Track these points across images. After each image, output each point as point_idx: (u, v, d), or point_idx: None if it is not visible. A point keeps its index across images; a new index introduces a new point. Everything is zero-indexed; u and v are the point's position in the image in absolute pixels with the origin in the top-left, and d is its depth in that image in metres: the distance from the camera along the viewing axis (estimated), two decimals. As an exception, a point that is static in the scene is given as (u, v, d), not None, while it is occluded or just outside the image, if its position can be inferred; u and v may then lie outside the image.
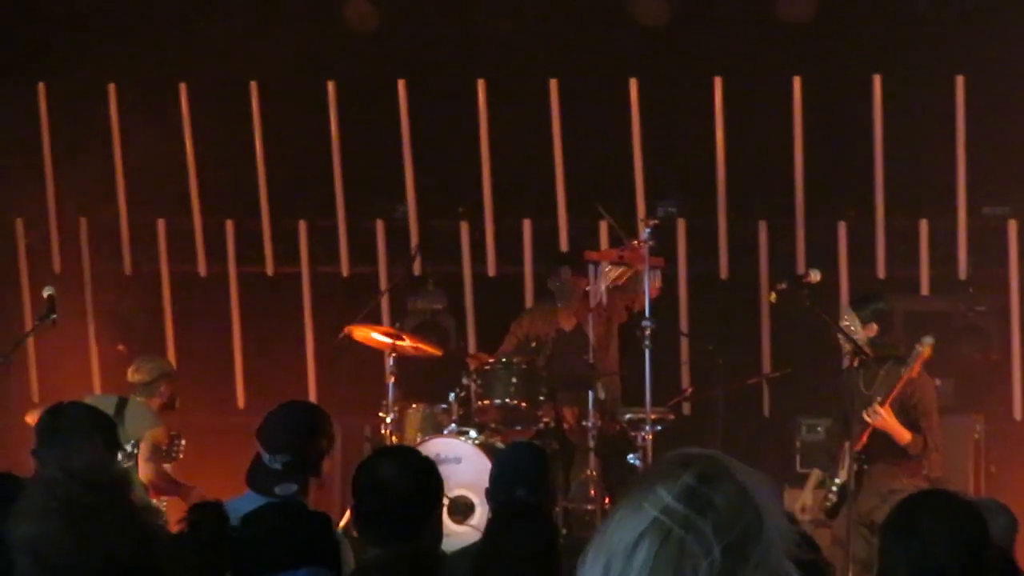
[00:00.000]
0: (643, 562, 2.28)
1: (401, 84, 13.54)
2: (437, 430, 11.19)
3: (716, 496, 2.29)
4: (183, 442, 10.89)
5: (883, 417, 9.91)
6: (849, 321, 10.52)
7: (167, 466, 10.66)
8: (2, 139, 13.85)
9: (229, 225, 14.19)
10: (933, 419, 10.17)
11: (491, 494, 6.72)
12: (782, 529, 2.33)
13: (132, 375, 10.88)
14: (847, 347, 10.56)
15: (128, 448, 9.27)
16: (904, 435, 9.90)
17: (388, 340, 11.70)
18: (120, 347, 13.06)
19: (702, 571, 2.25)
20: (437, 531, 6.07)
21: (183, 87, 13.91)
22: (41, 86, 13.94)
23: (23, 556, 2.54)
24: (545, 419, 11.22)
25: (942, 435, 10.43)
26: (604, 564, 2.35)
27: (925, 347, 10.10)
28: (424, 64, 13.60)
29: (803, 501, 10.64)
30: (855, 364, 10.54)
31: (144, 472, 9.92)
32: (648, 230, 11.13)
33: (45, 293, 11.23)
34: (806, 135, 12.88)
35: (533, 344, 11.85)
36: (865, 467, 10.17)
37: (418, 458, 6.20)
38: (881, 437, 10.05)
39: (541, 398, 11.22)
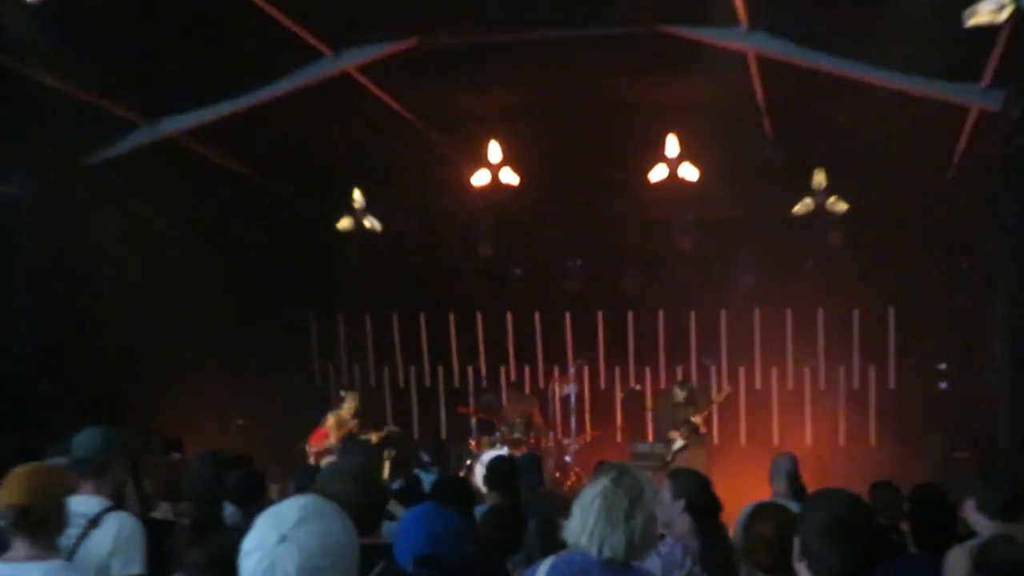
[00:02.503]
0: (597, 507, 3.61)
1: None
2: (493, 447, 13.43)
3: (625, 479, 3.66)
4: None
5: (699, 420, 13.12)
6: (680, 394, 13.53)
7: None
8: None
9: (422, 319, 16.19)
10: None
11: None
12: (652, 492, 3.72)
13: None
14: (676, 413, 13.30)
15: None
16: (703, 427, 13.17)
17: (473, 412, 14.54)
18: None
19: (622, 510, 3.60)
20: (522, 493, 7.05)
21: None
22: (339, 316, 16.34)
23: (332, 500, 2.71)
24: (535, 444, 13.66)
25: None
26: (580, 510, 3.68)
27: (724, 391, 13.90)
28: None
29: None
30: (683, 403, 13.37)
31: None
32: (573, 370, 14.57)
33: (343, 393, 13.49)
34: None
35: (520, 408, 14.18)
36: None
37: (513, 460, 7.92)
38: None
39: (532, 433, 13.83)
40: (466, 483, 6.58)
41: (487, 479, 7.20)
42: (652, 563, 4.76)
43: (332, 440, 12.38)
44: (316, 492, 3.93)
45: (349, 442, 11.36)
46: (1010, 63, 8.53)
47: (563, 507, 4.04)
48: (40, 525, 3.93)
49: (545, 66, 11.31)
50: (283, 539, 2.60)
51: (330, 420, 12.89)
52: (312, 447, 12.49)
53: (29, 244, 10.75)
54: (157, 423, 10.91)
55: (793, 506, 5.13)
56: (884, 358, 14.44)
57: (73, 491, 4.47)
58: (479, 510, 6.20)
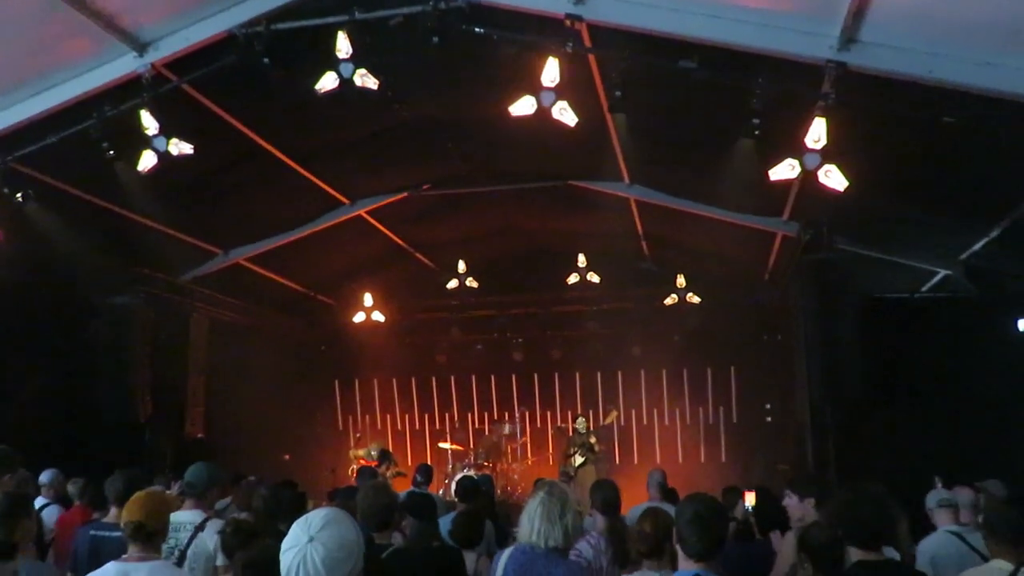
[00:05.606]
0: (539, 512, 3.53)
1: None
2: (462, 470, 12.30)
3: (555, 490, 3.63)
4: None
5: (595, 442, 12.16)
6: (582, 424, 12.61)
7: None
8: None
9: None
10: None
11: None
12: (574, 498, 3.64)
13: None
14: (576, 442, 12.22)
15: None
16: (598, 447, 12.17)
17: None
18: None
19: (556, 512, 3.52)
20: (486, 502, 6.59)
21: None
22: (356, 381, 15.33)
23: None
24: (491, 467, 12.81)
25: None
26: (527, 516, 3.58)
27: (612, 414, 13.15)
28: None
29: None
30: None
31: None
32: (518, 415, 13.89)
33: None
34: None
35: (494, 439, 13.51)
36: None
37: (476, 479, 7.27)
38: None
39: (491, 460, 13.12)
40: (431, 498, 5.76)
41: (457, 492, 6.84)
42: (584, 547, 4.57)
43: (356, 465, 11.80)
44: (349, 504, 3.88)
45: (364, 470, 10.81)
46: (799, 204, 8.74)
47: (513, 512, 4.01)
48: (149, 536, 3.75)
49: (495, 209, 11.51)
50: (311, 539, 2.51)
51: (360, 452, 12.45)
52: (355, 467, 11.81)
53: (139, 337, 10.43)
54: (232, 460, 10.33)
55: (666, 507, 5.02)
56: (729, 401, 14.08)
57: (174, 510, 4.30)
58: (452, 515, 5.67)
